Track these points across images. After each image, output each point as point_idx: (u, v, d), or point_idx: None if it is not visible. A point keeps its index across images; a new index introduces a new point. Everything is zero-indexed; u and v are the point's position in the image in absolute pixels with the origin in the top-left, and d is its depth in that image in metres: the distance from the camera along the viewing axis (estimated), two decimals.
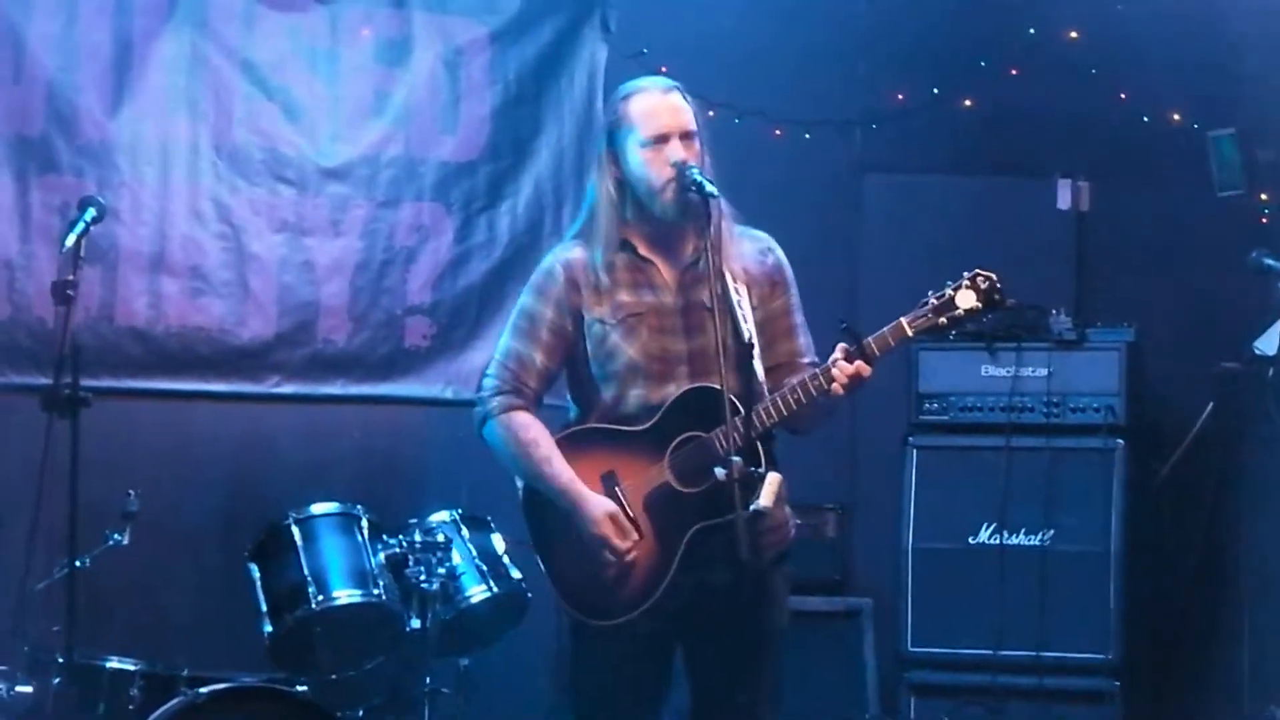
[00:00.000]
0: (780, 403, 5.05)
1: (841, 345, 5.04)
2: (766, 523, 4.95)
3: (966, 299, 5.07)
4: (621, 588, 5.12)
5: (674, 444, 5.09)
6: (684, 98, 5.25)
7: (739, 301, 5.10)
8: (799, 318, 5.36)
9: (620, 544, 5.09)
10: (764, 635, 5.18)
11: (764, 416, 5.02)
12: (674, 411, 5.11)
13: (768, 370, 5.20)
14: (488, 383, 5.28)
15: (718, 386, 4.98)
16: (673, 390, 5.14)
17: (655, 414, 5.13)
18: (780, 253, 5.37)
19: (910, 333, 5.07)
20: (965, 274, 5.10)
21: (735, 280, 5.16)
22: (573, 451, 5.20)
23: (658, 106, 5.21)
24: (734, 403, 4.89)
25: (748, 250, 5.28)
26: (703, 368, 5.14)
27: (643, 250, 5.22)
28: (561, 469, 5.15)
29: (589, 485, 5.14)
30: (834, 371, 5.02)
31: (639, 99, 5.25)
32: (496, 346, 5.34)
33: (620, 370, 5.17)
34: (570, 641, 5.31)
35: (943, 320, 5.08)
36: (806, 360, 5.30)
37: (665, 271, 5.22)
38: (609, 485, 5.15)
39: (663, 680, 5.27)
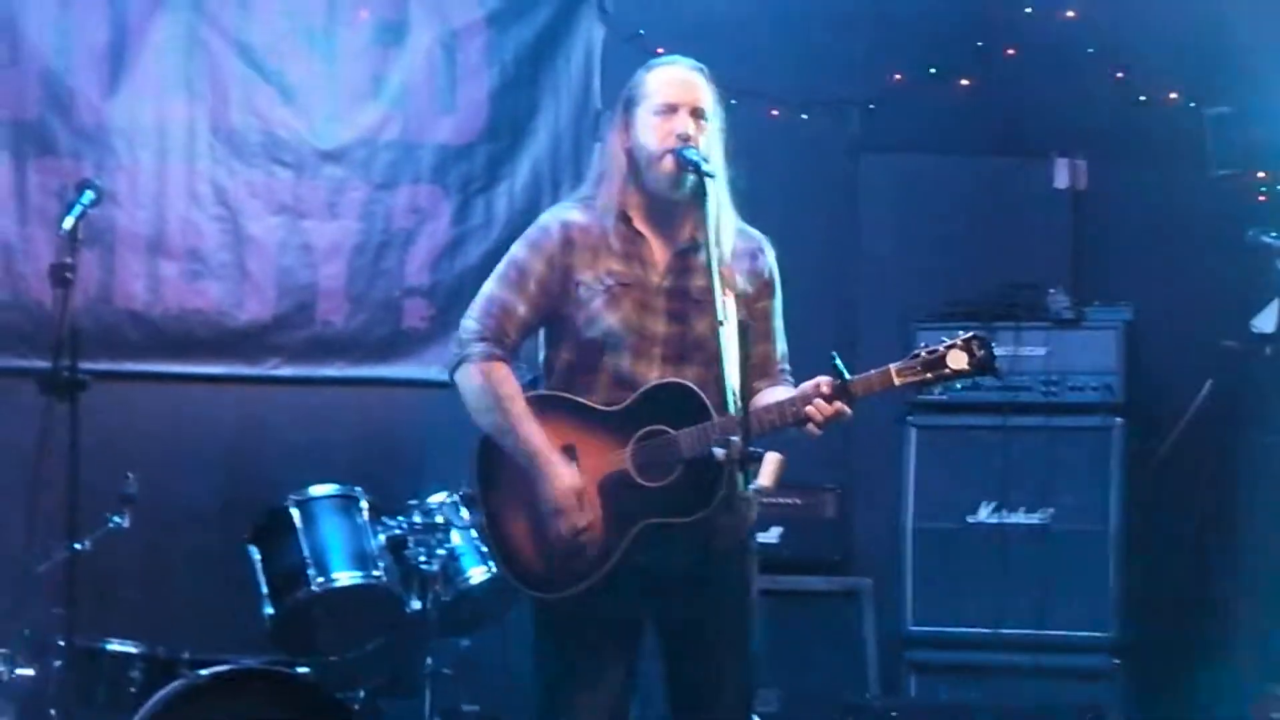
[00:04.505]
0: (755, 422, 4.97)
1: (826, 380, 4.97)
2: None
3: (958, 360, 4.99)
4: (563, 564, 5.07)
5: (639, 434, 5.05)
6: (705, 80, 5.24)
7: (724, 301, 5.08)
8: (779, 323, 5.32)
9: (578, 520, 5.05)
10: (734, 614, 5.13)
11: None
12: (645, 401, 5.06)
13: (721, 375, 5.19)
14: (469, 325, 5.20)
15: (692, 385, 5.02)
16: (644, 369, 5.12)
17: (629, 390, 5.10)
18: (771, 255, 5.33)
19: (897, 383, 4.99)
20: (961, 334, 5.04)
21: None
22: (538, 415, 5.13)
23: (674, 78, 5.21)
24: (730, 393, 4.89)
25: (739, 248, 5.24)
26: (676, 354, 5.12)
27: (637, 223, 5.19)
28: (535, 431, 5.08)
29: None
30: (810, 409, 4.94)
31: (660, 70, 5.25)
32: (480, 292, 5.26)
33: (599, 337, 5.12)
34: (532, 621, 5.25)
35: (929, 376, 5.01)
36: (780, 366, 5.29)
37: (657, 250, 5.19)
38: (567, 459, 5.10)
39: (624, 663, 5.20)
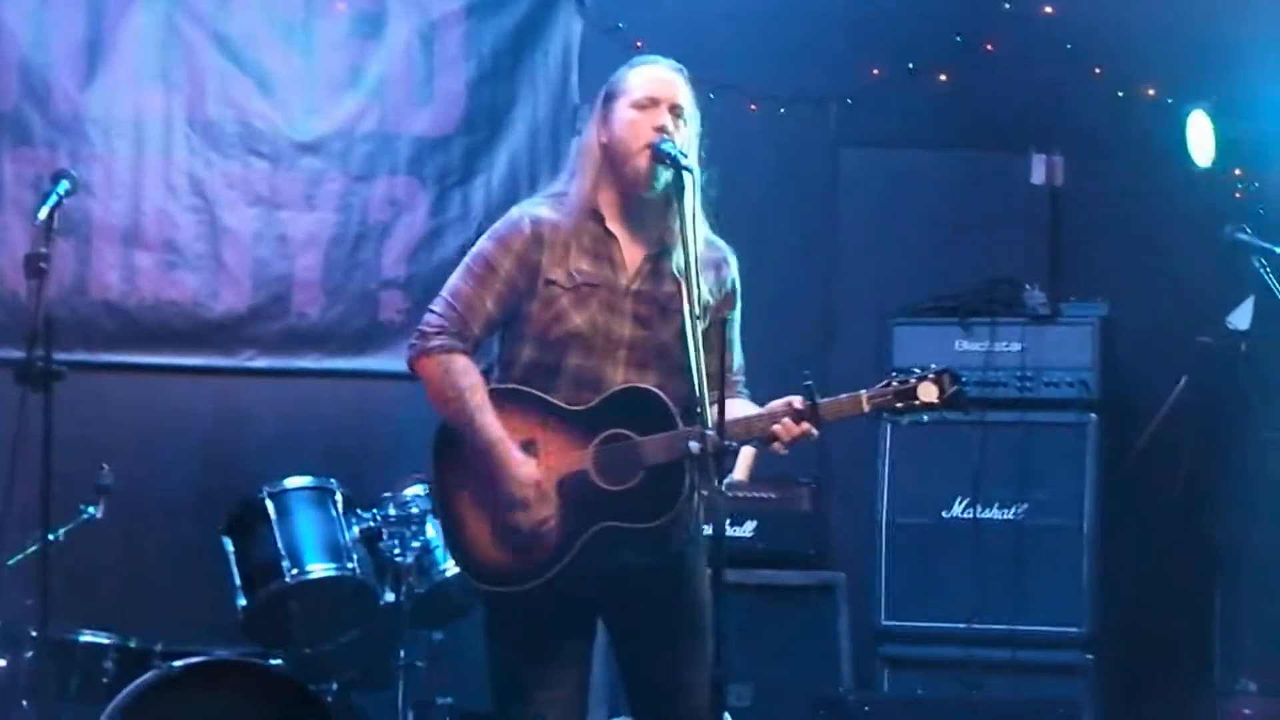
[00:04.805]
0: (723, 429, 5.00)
1: (797, 399, 4.99)
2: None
3: (928, 392, 5.01)
4: (516, 558, 5.06)
5: (602, 436, 5.04)
6: (686, 82, 5.22)
7: (689, 311, 5.08)
8: (737, 334, 5.31)
9: (536, 513, 5.03)
10: (687, 609, 5.14)
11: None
12: (611, 404, 5.05)
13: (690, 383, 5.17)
14: (432, 319, 5.17)
15: (658, 392, 5.01)
16: (610, 371, 5.11)
17: (591, 389, 5.09)
18: (735, 266, 5.31)
19: (866, 409, 5.03)
20: (933, 367, 5.06)
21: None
22: (501, 408, 5.11)
23: (656, 75, 5.20)
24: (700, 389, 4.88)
25: (705, 257, 5.19)
26: (639, 358, 5.12)
27: (609, 222, 5.17)
28: (493, 423, 5.05)
29: None
30: (778, 429, 4.97)
31: (643, 67, 5.24)
32: (445, 286, 5.24)
33: (563, 335, 5.10)
34: (484, 613, 5.25)
35: (899, 405, 5.04)
36: (736, 378, 5.27)
37: (627, 251, 5.17)
38: (526, 453, 5.07)
39: (580, 659, 5.21)
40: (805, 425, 4.97)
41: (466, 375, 5.12)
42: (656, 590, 5.13)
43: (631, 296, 5.15)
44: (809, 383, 4.98)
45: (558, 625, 5.14)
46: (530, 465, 5.06)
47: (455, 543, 5.20)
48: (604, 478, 5.03)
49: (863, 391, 5.04)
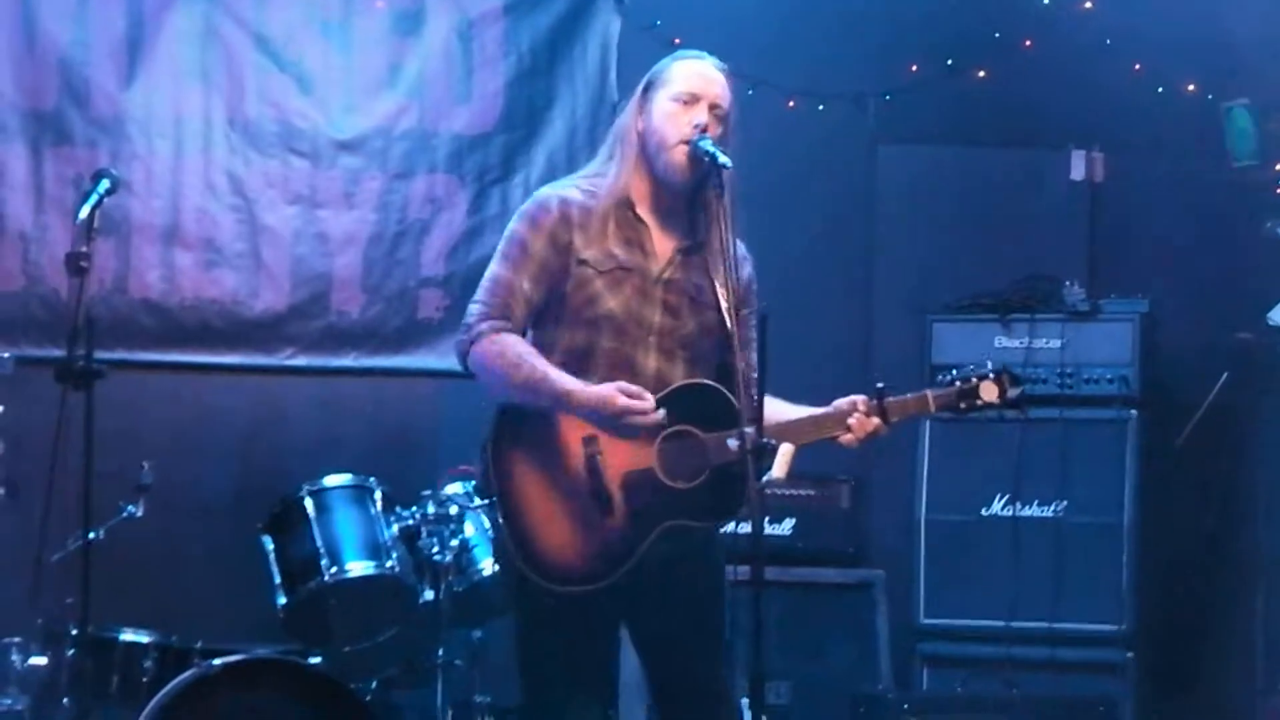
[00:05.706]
0: (788, 429, 5.04)
1: (862, 399, 5.06)
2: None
3: (989, 391, 5.16)
4: (585, 554, 5.02)
5: (666, 433, 5.03)
6: (728, 81, 5.22)
7: (727, 308, 5.09)
8: (753, 333, 5.26)
9: (641, 402, 4.98)
10: (708, 597, 5.18)
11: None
12: (671, 401, 5.03)
13: (717, 379, 5.18)
14: (474, 309, 5.16)
15: (721, 388, 5.03)
16: (643, 357, 5.11)
17: (627, 374, 5.07)
18: (752, 266, 5.35)
19: (933, 408, 5.17)
20: (993, 368, 5.18)
21: (719, 283, 5.15)
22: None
23: (699, 71, 5.20)
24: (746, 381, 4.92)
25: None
26: (667, 347, 5.13)
27: (640, 210, 5.18)
28: (561, 375, 5.03)
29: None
30: (851, 422, 5.04)
31: (686, 61, 5.24)
32: (485, 274, 5.21)
33: (596, 318, 5.10)
34: (516, 614, 5.22)
35: (962, 405, 5.17)
36: (752, 374, 5.17)
37: (658, 240, 5.18)
38: (589, 448, 5.03)
39: (611, 650, 5.23)
40: (877, 420, 5.06)
41: (523, 345, 5.12)
42: (678, 580, 5.11)
43: (662, 285, 5.16)
44: (881, 385, 5.09)
45: (604, 621, 5.15)
46: (604, 386, 5.02)
47: (521, 538, 5.07)
48: (670, 476, 5.02)
49: (928, 391, 5.16)
